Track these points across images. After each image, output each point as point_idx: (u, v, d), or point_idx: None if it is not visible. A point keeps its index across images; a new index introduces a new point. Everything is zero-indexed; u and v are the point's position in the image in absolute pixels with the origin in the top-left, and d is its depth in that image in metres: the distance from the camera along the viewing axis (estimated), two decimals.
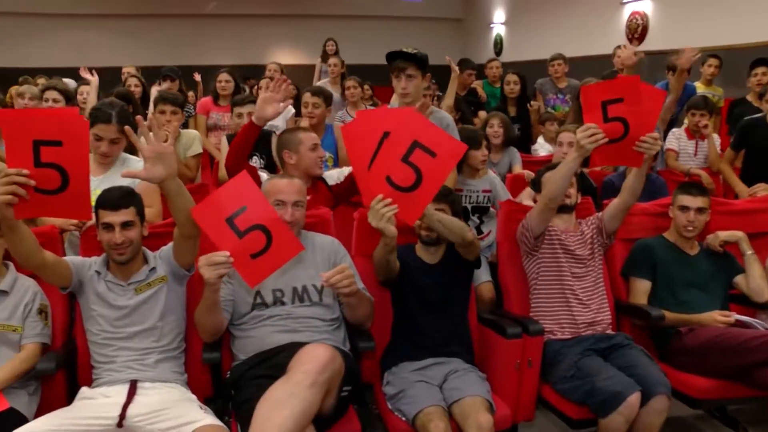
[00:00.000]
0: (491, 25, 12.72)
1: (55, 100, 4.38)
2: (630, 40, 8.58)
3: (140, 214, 2.42)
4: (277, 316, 2.44)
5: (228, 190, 2.14)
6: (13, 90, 5.98)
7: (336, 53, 8.23)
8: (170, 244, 2.48)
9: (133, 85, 5.78)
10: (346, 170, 3.26)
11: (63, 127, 1.96)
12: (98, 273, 2.44)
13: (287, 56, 12.79)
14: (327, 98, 3.89)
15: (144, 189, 2.65)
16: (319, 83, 7.25)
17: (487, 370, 2.66)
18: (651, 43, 8.34)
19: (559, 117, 5.73)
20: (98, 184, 2.66)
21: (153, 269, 2.47)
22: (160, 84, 5.49)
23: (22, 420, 2.21)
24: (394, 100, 3.40)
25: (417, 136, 2.15)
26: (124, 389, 2.29)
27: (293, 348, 2.25)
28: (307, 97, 3.89)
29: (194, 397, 2.35)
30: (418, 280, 2.62)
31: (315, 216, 2.74)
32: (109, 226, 2.34)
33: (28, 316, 2.43)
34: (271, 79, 2.75)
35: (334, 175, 3.29)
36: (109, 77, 6.99)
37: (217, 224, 2.09)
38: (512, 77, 5.54)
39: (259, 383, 2.20)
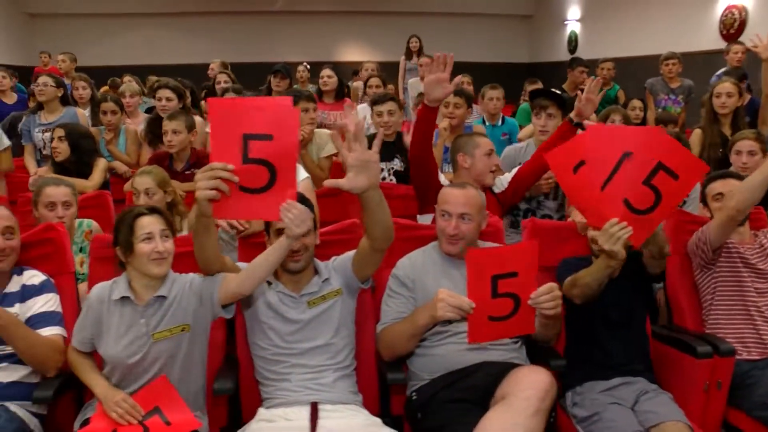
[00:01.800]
0: (565, 22, 12.41)
1: (168, 99, 4.31)
2: (725, 37, 8.22)
3: (314, 219, 2.29)
4: (462, 332, 2.26)
5: (513, 252, 2.09)
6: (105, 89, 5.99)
7: (420, 50, 8.10)
8: (346, 255, 2.35)
9: (223, 81, 5.68)
10: (509, 176, 3.17)
11: (275, 119, 1.79)
12: (269, 282, 2.32)
13: (357, 53, 12.73)
14: (468, 98, 3.75)
15: (303, 191, 2.52)
16: (410, 81, 7.10)
17: (669, 390, 2.46)
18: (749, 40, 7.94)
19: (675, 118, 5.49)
20: None
21: (326, 280, 2.33)
22: (270, 80, 5.34)
23: None
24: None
25: (662, 158, 2.01)
26: (304, 412, 2.15)
27: (489, 369, 2.13)
28: (449, 96, 3.76)
29: (379, 420, 2.20)
30: (599, 296, 2.44)
31: (487, 225, 2.59)
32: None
33: (201, 285, 2.22)
34: None
35: (497, 182, 3.20)
36: (181, 74, 6.98)
37: (482, 276, 2.00)
38: (638, 103, 5.33)
39: (454, 407, 2.09)
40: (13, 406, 2.20)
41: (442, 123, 3.81)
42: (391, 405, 2.45)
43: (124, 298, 2.17)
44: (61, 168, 3.79)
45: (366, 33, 13.07)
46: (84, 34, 11.72)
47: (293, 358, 2.25)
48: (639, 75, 7.09)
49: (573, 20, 12.20)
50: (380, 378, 2.41)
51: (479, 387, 2.07)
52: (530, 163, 3.16)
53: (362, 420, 2.17)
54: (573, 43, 12.19)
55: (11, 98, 5.82)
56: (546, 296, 2.04)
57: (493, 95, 4.88)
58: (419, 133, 2.80)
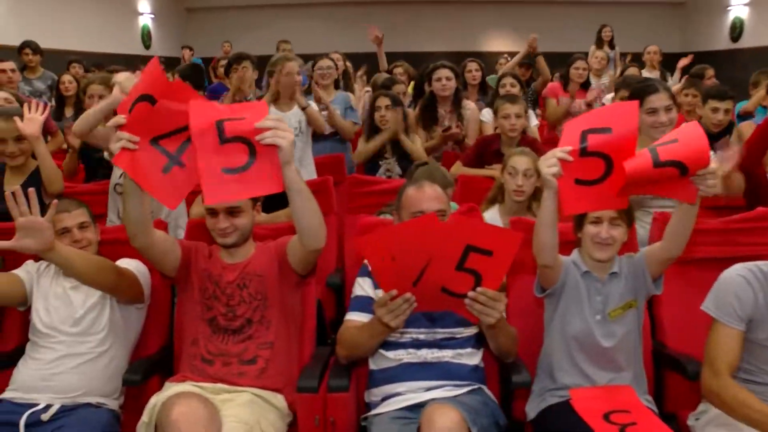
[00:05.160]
0: (728, 8, 11.69)
1: (447, 78, 4.24)
2: None
3: None
4: None
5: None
6: None
7: (612, 40, 7.78)
8: None
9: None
10: None
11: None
12: None
13: (500, 43, 12.44)
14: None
15: None
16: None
17: None
18: None
19: None
20: None
21: None
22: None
23: None
24: None
25: None
26: None
27: None
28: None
29: None
30: None
31: None
32: None
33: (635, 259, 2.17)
34: None
35: None
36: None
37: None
38: None
39: None
40: None
41: None
42: None
43: (586, 273, 2.14)
44: None
45: (506, 23, 12.76)
46: (236, 26, 11.90)
47: None
48: None
49: (738, 5, 11.48)
50: None
51: None
52: (759, 132, 2.87)
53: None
54: (737, 30, 11.47)
55: None
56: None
57: None
58: (756, 142, 2.64)
